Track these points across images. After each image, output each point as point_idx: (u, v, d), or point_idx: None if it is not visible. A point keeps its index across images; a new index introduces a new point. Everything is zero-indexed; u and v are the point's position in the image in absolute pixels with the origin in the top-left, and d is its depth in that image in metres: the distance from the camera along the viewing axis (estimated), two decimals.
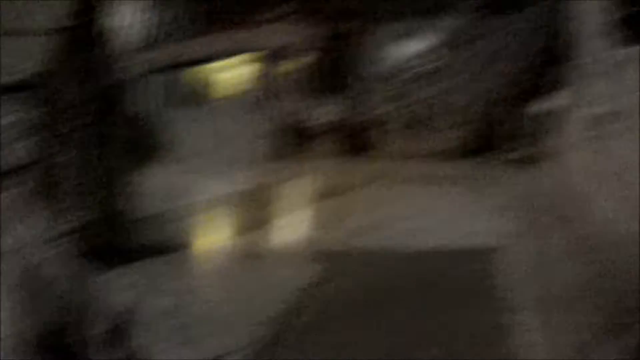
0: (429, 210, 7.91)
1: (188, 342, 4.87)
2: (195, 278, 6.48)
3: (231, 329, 4.98)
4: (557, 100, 8.58)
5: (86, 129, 6.77)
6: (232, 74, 16.80)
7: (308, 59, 16.29)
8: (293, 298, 5.45)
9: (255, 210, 9.12)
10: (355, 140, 14.61)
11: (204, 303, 5.59)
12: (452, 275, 5.74)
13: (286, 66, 15.85)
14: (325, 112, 15.07)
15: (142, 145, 13.81)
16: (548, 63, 16.31)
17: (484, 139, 16.42)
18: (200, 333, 4.96)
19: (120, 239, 7.02)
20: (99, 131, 6.92)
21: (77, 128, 6.74)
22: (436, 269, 5.90)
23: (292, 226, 8.13)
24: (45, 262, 6.62)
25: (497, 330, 4.41)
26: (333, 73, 17.38)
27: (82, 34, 6.94)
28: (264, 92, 15.20)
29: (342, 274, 6.16)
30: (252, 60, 16.65)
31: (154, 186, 10.36)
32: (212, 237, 8.13)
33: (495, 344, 4.22)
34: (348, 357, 4.37)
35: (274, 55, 16.08)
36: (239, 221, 8.85)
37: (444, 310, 4.89)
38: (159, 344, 4.91)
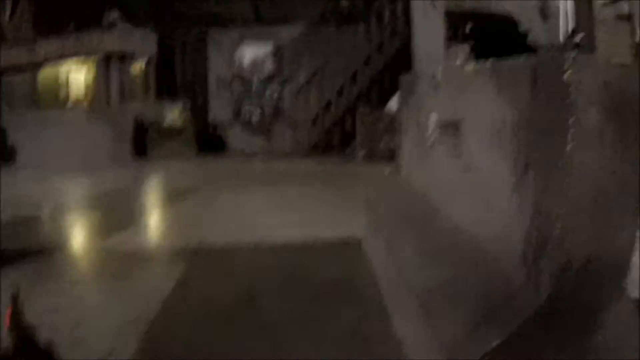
0: (286, 206, 8.24)
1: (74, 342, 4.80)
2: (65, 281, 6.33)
3: (106, 332, 4.99)
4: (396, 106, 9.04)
5: None
6: (75, 76, 16.31)
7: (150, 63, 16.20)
8: (161, 300, 5.51)
9: (115, 212, 9.05)
10: (206, 140, 14.79)
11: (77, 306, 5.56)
12: (317, 268, 6.07)
13: (130, 69, 15.64)
14: (172, 113, 15.06)
15: None
16: (387, 71, 17.21)
17: (335, 137, 17.11)
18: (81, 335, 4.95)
19: None
20: None
21: None
22: (300, 262, 6.25)
23: (155, 226, 8.15)
24: None
25: (367, 325, 4.72)
26: (173, 77, 17.40)
27: None
28: (110, 94, 14.95)
29: (208, 272, 6.31)
30: (94, 63, 16.33)
31: (6, 191, 9.99)
32: (74, 240, 7.98)
33: (365, 339, 4.47)
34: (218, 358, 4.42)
35: (118, 59, 15.84)
36: (100, 224, 8.73)
37: (314, 303, 5.18)
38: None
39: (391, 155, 8.62)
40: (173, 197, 9.77)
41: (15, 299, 2.37)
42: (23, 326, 2.33)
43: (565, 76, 2.49)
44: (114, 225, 8.40)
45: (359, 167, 10.70)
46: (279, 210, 8.14)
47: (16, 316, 2.30)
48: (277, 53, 18.86)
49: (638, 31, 10.31)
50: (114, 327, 5.08)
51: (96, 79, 16.83)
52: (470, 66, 5.09)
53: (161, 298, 5.54)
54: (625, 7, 10.65)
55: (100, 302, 5.80)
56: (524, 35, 8.28)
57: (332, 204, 8.24)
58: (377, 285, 5.36)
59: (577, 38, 10.33)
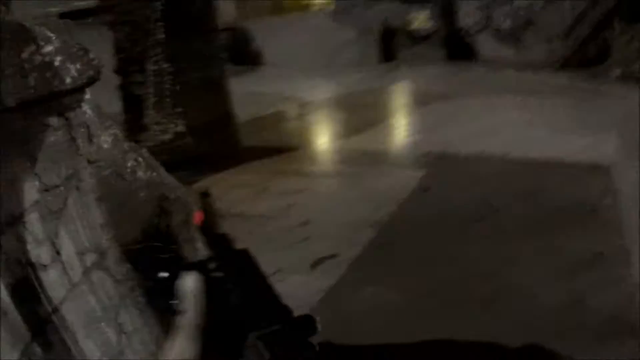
0: (536, 121, 7.92)
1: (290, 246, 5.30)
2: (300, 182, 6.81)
3: (333, 233, 5.39)
4: None
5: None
6: None
7: None
8: (395, 204, 5.75)
9: (359, 113, 9.36)
10: (454, 46, 14.36)
11: (308, 206, 6.03)
12: (554, 189, 5.88)
13: None
14: (419, 18, 14.79)
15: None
16: None
17: (589, 52, 15.82)
18: (302, 237, 5.42)
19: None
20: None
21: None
22: (538, 181, 6.06)
23: (400, 129, 8.33)
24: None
25: (601, 252, 4.63)
26: None
27: None
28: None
29: (449, 179, 6.41)
30: None
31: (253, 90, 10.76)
32: (316, 138, 8.45)
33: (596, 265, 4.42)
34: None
35: None
36: (343, 123, 9.12)
37: (552, 221, 5.12)
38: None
39: None
40: (420, 102, 9.83)
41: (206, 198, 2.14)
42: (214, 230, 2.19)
43: None
44: (357, 126, 8.74)
45: (613, 87, 9.84)
46: (526, 124, 7.86)
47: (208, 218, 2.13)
48: None
49: None
50: (345, 225, 5.49)
51: None
52: None
53: (397, 201, 5.78)
54: None
55: (335, 201, 6.20)
56: None
57: (582, 124, 7.77)
58: (621, 214, 5.20)
59: None
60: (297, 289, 4.53)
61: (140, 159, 2.52)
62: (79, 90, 2.42)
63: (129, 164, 2.52)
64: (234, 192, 6.64)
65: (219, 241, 1.07)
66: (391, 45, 14.06)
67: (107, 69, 7.33)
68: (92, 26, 9.37)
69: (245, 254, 1.02)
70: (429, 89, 10.29)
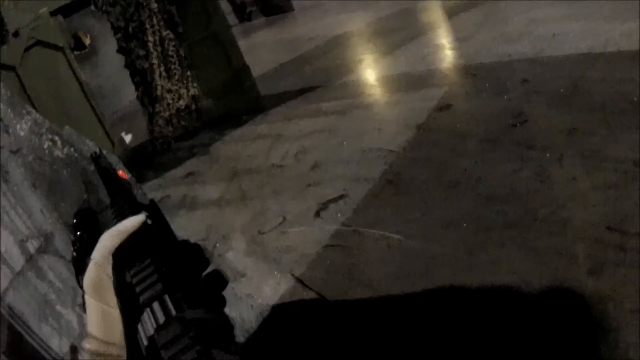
0: (572, 14, 7.38)
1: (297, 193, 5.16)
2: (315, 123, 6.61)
3: (343, 172, 5.19)
4: None
5: None
6: None
7: None
8: (411, 129, 5.50)
9: (386, 39, 9.05)
10: None
11: (319, 148, 5.85)
12: (593, 85, 5.37)
13: None
14: None
15: None
16: None
17: None
18: (311, 181, 5.25)
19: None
20: None
21: None
22: (574, 79, 5.58)
23: (420, 50, 7.96)
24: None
25: None
26: None
27: None
28: None
29: (467, 94, 6.08)
30: None
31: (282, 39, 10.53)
32: (338, 75, 8.15)
33: None
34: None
35: None
36: (367, 53, 8.82)
37: (578, 129, 4.68)
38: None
39: None
40: (450, 13, 9.39)
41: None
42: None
43: None
44: (381, 52, 8.52)
45: None
46: (562, 18, 7.28)
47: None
48: None
49: None
50: (355, 161, 5.29)
51: None
52: None
53: (413, 126, 5.53)
54: None
55: (346, 137, 5.99)
56: None
57: (624, 9, 7.14)
58: None
59: None
60: (300, 238, 4.45)
61: (56, 138, 2.42)
62: None
63: (46, 146, 2.42)
64: (251, 147, 6.58)
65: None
66: None
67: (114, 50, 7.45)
68: (87, 15, 9.40)
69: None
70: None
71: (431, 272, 3.56)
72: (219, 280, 0.70)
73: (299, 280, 3.94)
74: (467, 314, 3.17)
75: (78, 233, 0.90)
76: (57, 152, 2.43)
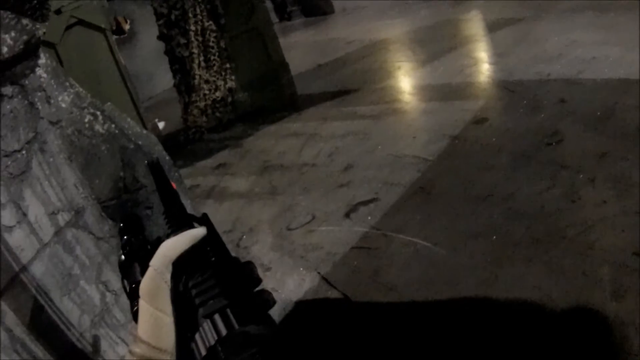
0: (610, 39, 7.32)
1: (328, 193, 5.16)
2: (350, 125, 6.62)
3: (375, 176, 5.20)
4: None
5: None
6: None
7: None
8: (446, 140, 5.48)
9: (424, 48, 9.03)
10: None
11: (353, 150, 5.86)
12: (628, 111, 5.30)
13: None
14: None
15: None
16: None
17: None
18: (343, 182, 5.26)
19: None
20: None
21: None
22: (610, 104, 5.52)
23: (458, 62, 7.93)
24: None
25: None
26: None
27: None
28: None
29: (503, 110, 6.04)
30: None
31: (321, 40, 10.53)
32: (376, 80, 8.15)
33: None
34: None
35: None
36: (406, 61, 8.82)
37: (612, 152, 4.64)
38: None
39: None
40: (489, 29, 9.36)
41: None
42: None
43: None
44: (419, 60, 8.49)
45: None
46: (600, 42, 7.24)
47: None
48: None
49: None
50: (387, 166, 5.28)
51: None
52: None
53: (449, 136, 5.52)
54: None
55: (380, 142, 5.98)
56: None
57: None
58: None
59: None
60: (328, 237, 4.45)
61: (97, 113, 2.45)
62: (20, 56, 2.40)
63: (86, 119, 2.45)
64: (283, 143, 6.60)
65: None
66: None
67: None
68: (132, 1, 9.52)
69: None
70: (499, 16, 9.75)
71: (456, 281, 3.55)
72: (269, 298, 0.72)
73: (323, 278, 3.95)
74: (489, 326, 3.16)
75: (125, 237, 0.93)
76: (98, 127, 2.46)
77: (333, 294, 3.77)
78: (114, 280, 2.64)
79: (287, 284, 3.96)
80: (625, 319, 2.93)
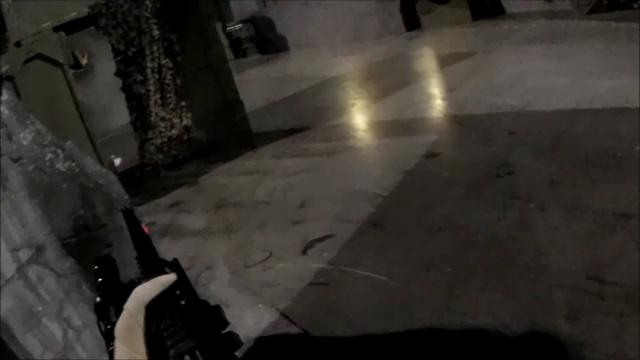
0: (561, 68, 7.56)
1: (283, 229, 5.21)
2: (304, 162, 6.73)
3: (329, 212, 5.30)
4: None
5: None
6: None
7: None
8: (399, 174, 5.63)
9: (377, 84, 9.20)
10: (480, 5, 13.87)
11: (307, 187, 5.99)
12: (578, 139, 5.45)
13: None
14: None
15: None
16: None
17: None
18: (297, 219, 5.35)
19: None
20: None
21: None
22: (560, 133, 5.67)
23: (409, 97, 8.11)
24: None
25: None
26: None
27: None
28: None
29: (455, 143, 6.19)
30: None
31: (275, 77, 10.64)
32: (328, 117, 8.28)
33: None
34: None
35: None
36: (359, 97, 8.98)
37: (561, 182, 4.75)
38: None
39: None
40: (442, 63, 9.60)
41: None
42: None
43: None
44: (371, 96, 8.69)
45: None
46: (551, 72, 7.48)
47: None
48: None
49: None
50: (342, 203, 5.42)
51: None
52: None
53: (401, 171, 5.68)
54: None
55: (334, 178, 6.10)
56: None
57: (610, 67, 7.31)
58: None
59: None
60: (285, 274, 4.48)
61: (58, 151, 2.47)
62: None
63: (47, 157, 2.47)
64: (238, 180, 6.64)
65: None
66: (413, 12, 13.75)
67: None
68: (86, 35, 9.51)
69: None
70: (452, 50, 10.03)
71: (411, 311, 3.61)
72: (236, 339, 0.79)
73: (282, 314, 3.97)
74: (445, 355, 3.22)
75: (100, 279, 0.98)
76: (59, 165, 2.48)
77: (292, 329, 3.79)
78: (75, 317, 2.64)
79: (246, 321, 3.96)
80: (580, 339, 3.02)
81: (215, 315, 0.81)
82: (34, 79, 5.96)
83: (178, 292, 0.83)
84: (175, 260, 0.91)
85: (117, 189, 2.59)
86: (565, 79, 7.02)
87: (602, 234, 3.85)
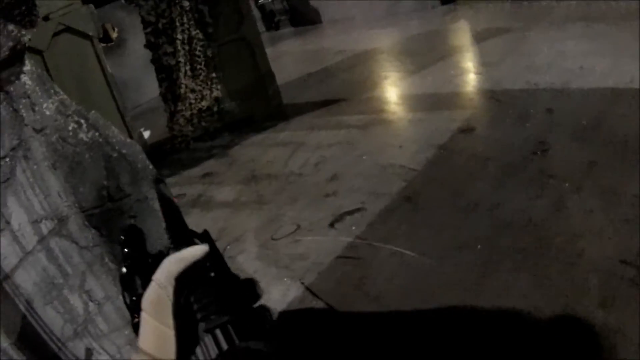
0: (598, 49, 7.37)
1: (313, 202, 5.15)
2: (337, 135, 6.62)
3: (361, 186, 5.22)
4: None
5: None
6: None
7: None
8: (433, 149, 5.51)
9: (413, 58, 9.05)
10: None
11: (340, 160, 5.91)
12: (614, 121, 5.30)
13: None
14: None
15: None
16: None
17: None
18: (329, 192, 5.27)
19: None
20: None
21: None
22: (597, 114, 5.53)
23: (445, 72, 7.95)
24: None
25: None
26: None
27: None
28: None
29: (490, 120, 6.06)
30: None
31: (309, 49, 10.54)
32: (363, 90, 8.16)
33: None
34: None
35: None
36: (393, 71, 8.84)
37: (598, 163, 4.64)
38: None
39: None
40: (477, 39, 9.38)
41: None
42: None
43: None
44: (407, 70, 8.53)
45: None
46: (588, 53, 7.27)
47: None
48: None
49: None
50: (374, 176, 5.32)
51: None
52: None
53: (435, 146, 5.57)
54: None
55: (367, 152, 6.01)
56: None
57: None
58: None
59: None
60: (313, 247, 4.43)
61: (82, 121, 2.43)
62: (6, 63, 2.37)
63: (70, 127, 2.43)
64: (270, 152, 6.58)
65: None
66: None
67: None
68: (117, 8, 9.50)
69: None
70: (488, 26, 9.79)
71: (441, 291, 3.54)
72: (268, 314, 0.75)
73: (308, 288, 3.93)
74: (475, 335, 3.14)
75: (126, 250, 0.94)
76: (82, 135, 2.44)
77: (318, 304, 3.75)
78: (97, 289, 2.61)
79: (272, 294, 3.93)
80: (613, 327, 2.94)
81: (248, 288, 0.77)
82: (63, 53, 5.96)
83: (208, 265, 0.81)
84: (206, 232, 0.91)
85: (142, 158, 2.54)
86: (602, 60, 6.81)
87: (638, 219, 3.71)
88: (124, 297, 0.89)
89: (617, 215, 3.83)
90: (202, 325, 0.74)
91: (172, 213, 0.98)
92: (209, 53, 7.11)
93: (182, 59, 6.92)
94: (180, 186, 6.33)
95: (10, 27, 2.28)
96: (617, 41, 7.43)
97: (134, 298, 0.86)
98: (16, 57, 2.35)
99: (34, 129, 2.45)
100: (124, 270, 0.90)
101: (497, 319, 3.23)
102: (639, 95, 5.60)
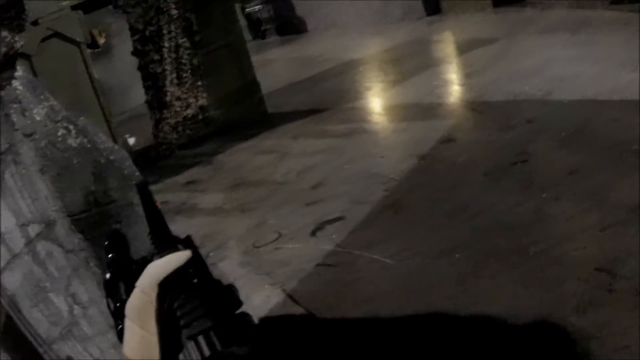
0: (583, 58, 7.43)
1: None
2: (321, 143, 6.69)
3: (344, 194, 5.29)
4: None
5: None
6: None
7: None
8: (414, 159, 5.57)
9: (398, 68, 9.11)
10: None
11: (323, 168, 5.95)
12: (597, 130, 5.33)
13: None
14: None
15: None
16: None
17: None
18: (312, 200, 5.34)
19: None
20: None
21: None
22: (580, 122, 5.54)
23: (428, 82, 8.03)
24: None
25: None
26: None
27: None
28: None
29: (472, 129, 6.12)
30: None
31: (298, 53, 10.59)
32: (347, 99, 8.21)
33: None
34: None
35: None
36: (378, 80, 8.91)
37: (578, 171, 4.68)
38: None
39: None
40: (463, 49, 9.44)
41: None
42: None
43: None
44: (391, 80, 8.61)
45: None
46: (573, 61, 7.32)
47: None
48: None
49: None
50: (357, 185, 5.39)
51: None
52: None
53: (417, 155, 5.63)
54: None
55: (351, 160, 6.08)
56: None
57: (633, 58, 7.17)
58: None
59: None
60: (294, 255, 4.48)
61: (71, 126, 2.48)
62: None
63: (60, 133, 2.48)
64: (255, 160, 6.63)
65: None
66: None
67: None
68: (105, 14, 9.53)
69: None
70: (473, 35, 9.86)
71: (421, 297, 3.60)
72: (250, 320, 0.77)
73: (289, 295, 3.97)
74: (453, 341, 3.20)
75: (110, 255, 0.97)
76: (71, 141, 2.49)
77: (298, 310, 3.80)
78: (82, 293, 2.65)
79: (253, 301, 3.97)
80: (588, 332, 2.99)
81: (229, 295, 0.79)
82: (51, 58, 5.98)
83: (192, 270, 0.81)
84: (189, 237, 0.90)
85: (128, 164, 2.59)
86: (587, 69, 6.88)
87: (616, 227, 3.79)
88: (107, 303, 0.91)
89: (594, 222, 3.91)
90: (185, 332, 0.74)
91: (154, 218, 0.99)
92: (195, 61, 7.16)
93: (168, 67, 6.97)
94: (164, 193, 6.35)
95: (4, 33, 2.33)
96: (599, 50, 7.51)
97: (117, 304, 0.88)
98: (8, 62, 2.39)
99: (24, 134, 2.49)
100: (108, 276, 0.92)
101: (476, 325, 3.29)
102: (619, 105, 5.70)
